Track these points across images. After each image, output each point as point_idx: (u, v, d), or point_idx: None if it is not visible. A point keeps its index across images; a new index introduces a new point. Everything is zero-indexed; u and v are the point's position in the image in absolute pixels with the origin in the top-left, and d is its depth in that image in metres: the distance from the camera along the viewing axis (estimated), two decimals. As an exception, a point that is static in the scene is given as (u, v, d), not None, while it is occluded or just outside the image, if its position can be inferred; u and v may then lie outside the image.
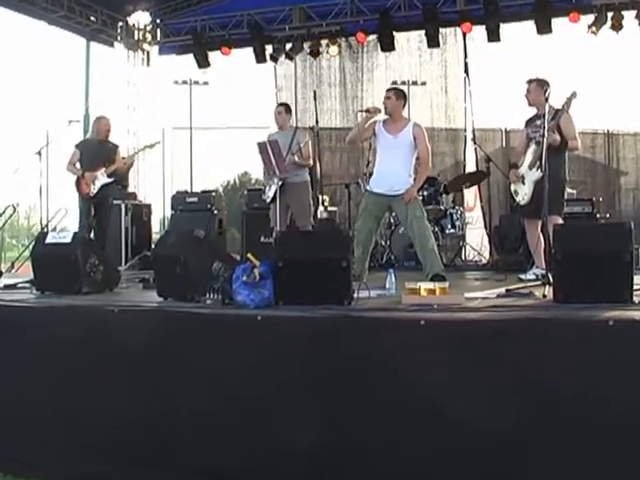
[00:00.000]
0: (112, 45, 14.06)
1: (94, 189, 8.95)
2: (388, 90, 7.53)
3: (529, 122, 7.47)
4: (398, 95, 7.36)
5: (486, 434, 4.12)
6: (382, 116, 7.39)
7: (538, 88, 7.14)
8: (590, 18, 11.24)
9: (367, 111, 7.49)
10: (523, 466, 4.10)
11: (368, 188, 7.49)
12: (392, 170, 7.21)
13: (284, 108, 9.09)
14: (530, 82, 7.32)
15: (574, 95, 6.88)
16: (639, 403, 3.90)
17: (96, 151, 9.09)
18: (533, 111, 7.42)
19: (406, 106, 7.76)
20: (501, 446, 4.10)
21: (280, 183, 8.31)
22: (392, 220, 10.16)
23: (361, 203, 7.52)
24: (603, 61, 40.62)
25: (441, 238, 10.13)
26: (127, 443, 4.92)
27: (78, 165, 9.05)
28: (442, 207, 10.43)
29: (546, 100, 6.57)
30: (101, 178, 8.95)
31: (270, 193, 8.56)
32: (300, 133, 8.64)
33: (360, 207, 7.48)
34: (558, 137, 6.93)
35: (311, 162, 8.29)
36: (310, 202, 8.20)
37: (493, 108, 17.83)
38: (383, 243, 10.39)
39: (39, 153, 8.76)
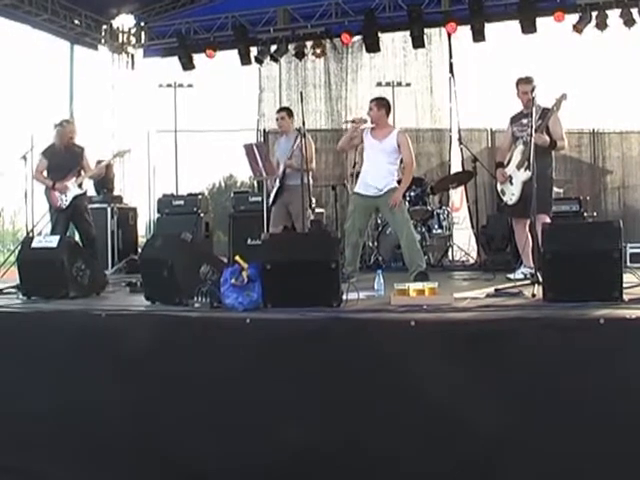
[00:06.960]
0: (96, 48, 13.99)
1: (66, 201, 8.54)
2: (370, 101, 7.76)
3: (514, 119, 7.43)
4: (379, 106, 7.61)
5: (477, 433, 4.11)
6: (369, 125, 7.61)
7: (530, 86, 7.09)
8: (575, 17, 11.29)
9: (353, 122, 7.75)
10: (513, 464, 4.10)
11: (355, 190, 7.65)
12: (377, 172, 7.46)
13: (286, 112, 8.90)
14: (526, 81, 7.18)
15: (564, 97, 6.87)
16: (630, 401, 3.90)
17: (63, 158, 8.67)
18: (518, 108, 7.40)
19: (390, 114, 7.87)
20: (493, 445, 4.10)
21: (278, 185, 8.26)
22: (379, 221, 10.15)
23: (349, 205, 7.63)
24: (588, 60, 40.61)
25: (428, 238, 10.13)
26: (116, 447, 4.88)
27: (45, 173, 8.68)
28: (429, 208, 10.39)
29: (533, 98, 6.55)
30: (72, 189, 8.55)
31: (272, 197, 8.49)
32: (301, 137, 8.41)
33: (349, 209, 7.61)
34: (547, 138, 6.90)
35: (313, 165, 8.23)
36: (309, 205, 8.16)
37: (479, 108, 17.80)
38: (370, 244, 10.37)
39: (24, 157, 8.63)
